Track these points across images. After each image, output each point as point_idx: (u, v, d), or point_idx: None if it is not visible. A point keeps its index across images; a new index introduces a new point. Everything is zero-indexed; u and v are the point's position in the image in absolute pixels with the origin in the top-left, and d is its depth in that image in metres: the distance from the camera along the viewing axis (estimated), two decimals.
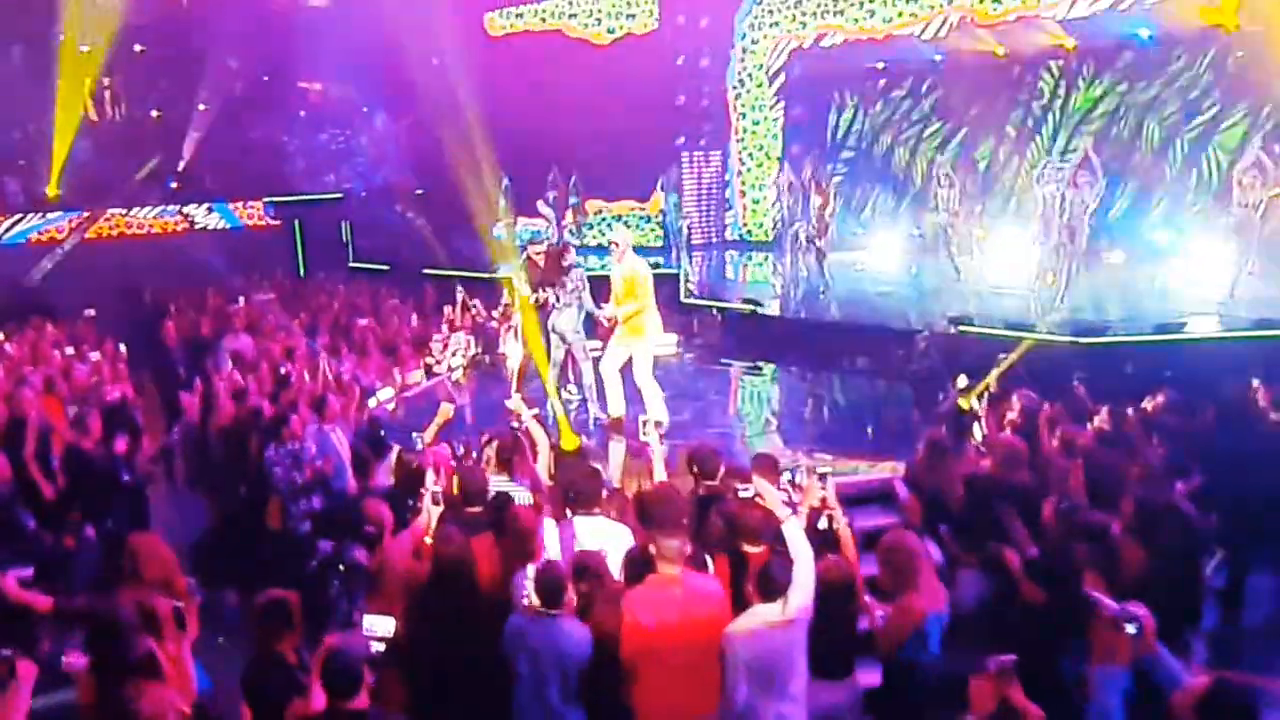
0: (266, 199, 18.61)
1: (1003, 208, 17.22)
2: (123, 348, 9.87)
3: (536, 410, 6.18)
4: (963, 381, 9.48)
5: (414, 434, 5.93)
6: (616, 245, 8.12)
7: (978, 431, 7.56)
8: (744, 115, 19.45)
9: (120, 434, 7.44)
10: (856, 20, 17.75)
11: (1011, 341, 9.99)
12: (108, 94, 19.28)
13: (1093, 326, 9.85)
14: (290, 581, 6.99)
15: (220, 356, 10.34)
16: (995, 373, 7.82)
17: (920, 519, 6.42)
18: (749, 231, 19.88)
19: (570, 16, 20.47)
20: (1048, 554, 5.44)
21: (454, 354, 10.48)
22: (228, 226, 18.41)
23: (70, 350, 9.98)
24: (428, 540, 5.15)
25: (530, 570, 4.66)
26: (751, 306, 12.50)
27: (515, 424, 5.81)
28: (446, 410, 6.22)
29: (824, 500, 4.99)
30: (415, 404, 9.92)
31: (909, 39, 17.37)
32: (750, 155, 19.58)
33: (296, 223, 18.68)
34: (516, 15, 21.04)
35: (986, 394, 7.59)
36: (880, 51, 18.05)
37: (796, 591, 4.41)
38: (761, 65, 19.10)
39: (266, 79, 19.95)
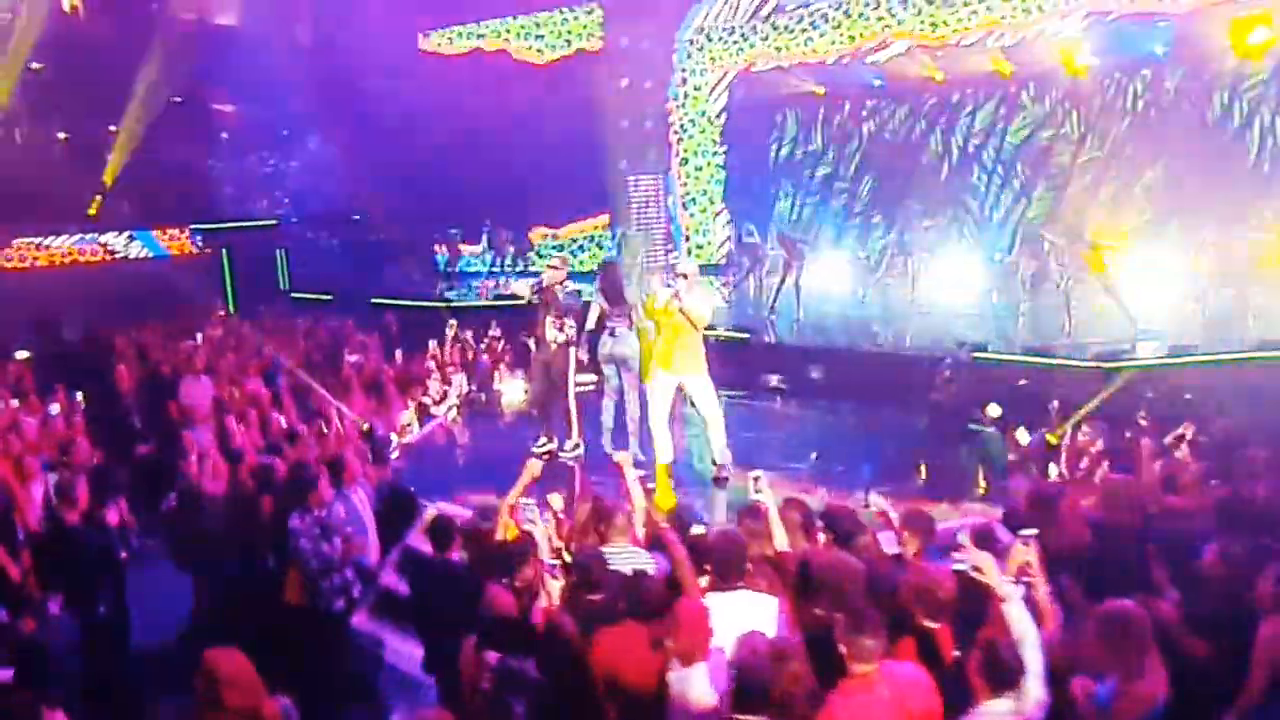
0: (193, 226, 17.01)
1: (947, 230, 17.28)
2: (79, 396, 8.45)
3: (643, 470, 5.34)
4: (995, 411, 9.10)
5: (499, 499, 5.00)
6: (685, 277, 7.33)
7: (1052, 470, 7.09)
8: (687, 154, 18.99)
9: (110, 502, 6.24)
10: (797, 47, 17.50)
11: (1029, 368, 9.67)
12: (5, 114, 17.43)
13: (1108, 352, 9.56)
14: (335, 667, 6.02)
15: (188, 404, 9.08)
16: (1086, 409, 7.31)
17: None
18: (692, 254, 19.41)
19: (512, 37, 19.62)
20: (1208, 603, 4.94)
21: (456, 393, 9.43)
22: (151, 255, 16.74)
23: (15, 401, 8.51)
24: None
25: (700, 670, 3.87)
26: (745, 334, 11.83)
27: (633, 480, 4.95)
28: (534, 468, 5.29)
29: (1026, 566, 4.32)
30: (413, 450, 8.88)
31: (849, 64, 17.23)
32: (694, 196, 19.07)
33: (224, 251, 17.13)
34: (454, 36, 20.08)
35: (1068, 430, 7.08)
36: (820, 76, 17.89)
37: (1032, 682, 3.74)
38: (703, 109, 18.65)
39: (179, 100, 18.41)
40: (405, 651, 6.36)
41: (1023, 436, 7.76)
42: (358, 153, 18.02)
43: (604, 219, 19.35)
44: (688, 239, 19.25)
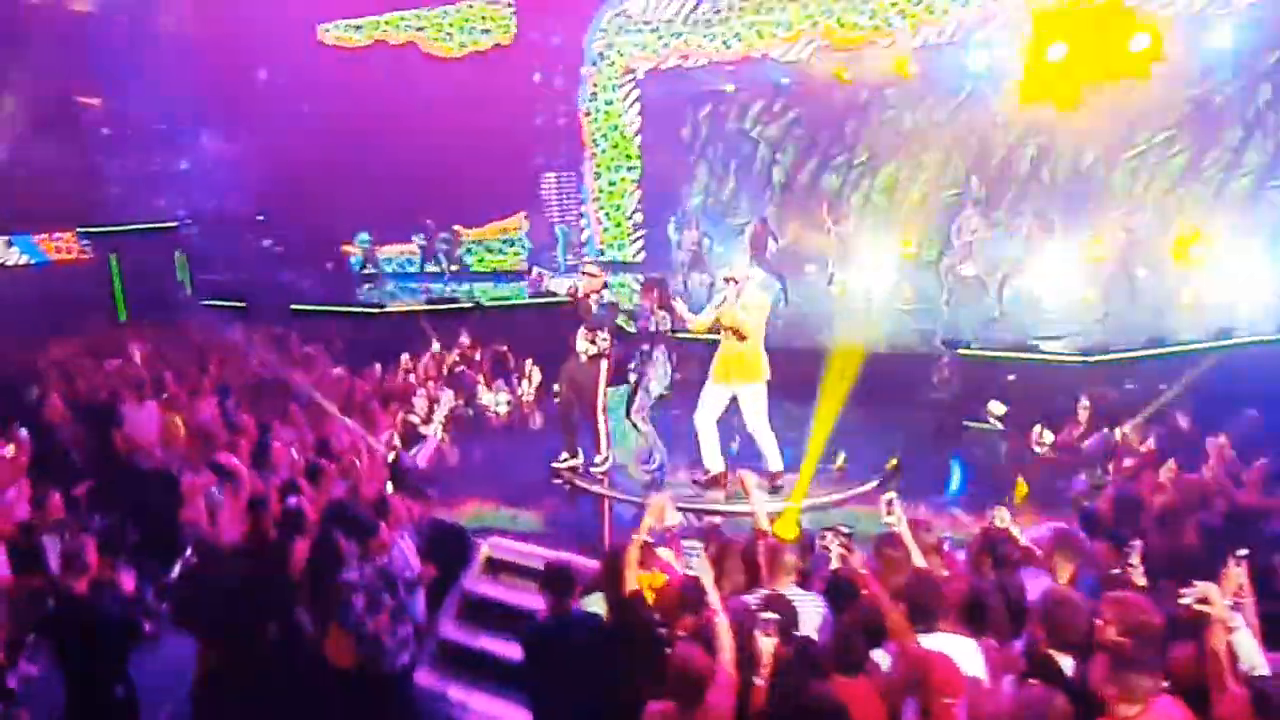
0: (79, 229, 15.08)
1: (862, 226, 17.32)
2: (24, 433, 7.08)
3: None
4: (999, 408, 9.00)
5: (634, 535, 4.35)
6: (735, 281, 6.80)
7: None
8: (600, 169, 18.35)
9: (123, 566, 5.18)
10: (709, 44, 17.16)
11: (1013, 363, 9.61)
12: None
13: (1092, 346, 9.62)
14: None
15: (133, 434, 7.86)
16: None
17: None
18: (605, 251, 18.79)
19: (419, 30, 18.44)
20: None
21: (445, 409, 8.49)
22: (31, 262, 14.75)
23: None
24: None
25: None
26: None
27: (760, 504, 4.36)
28: (657, 506, 4.64)
29: (1239, 589, 4.03)
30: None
31: (760, 62, 17.03)
32: (608, 210, 18.44)
33: (112, 257, 15.28)
34: (355, 28, 18.72)
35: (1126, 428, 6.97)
36: (731, 75, 17.62)
37: None
38: (615, 124, 18.02)
39: (42, 93, 16.33)
40: (476, 709, 5.63)
41: (1047, 435, 7.63)
42: (258, 150, 16.49)
43: (519, 218, 18.52)
44: (602, 252, 18.60)
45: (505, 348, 10.38)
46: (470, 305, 13.60)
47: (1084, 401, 7.64)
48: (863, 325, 12.63)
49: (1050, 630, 3.81)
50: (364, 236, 16.22)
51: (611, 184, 18.40)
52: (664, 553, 4.65)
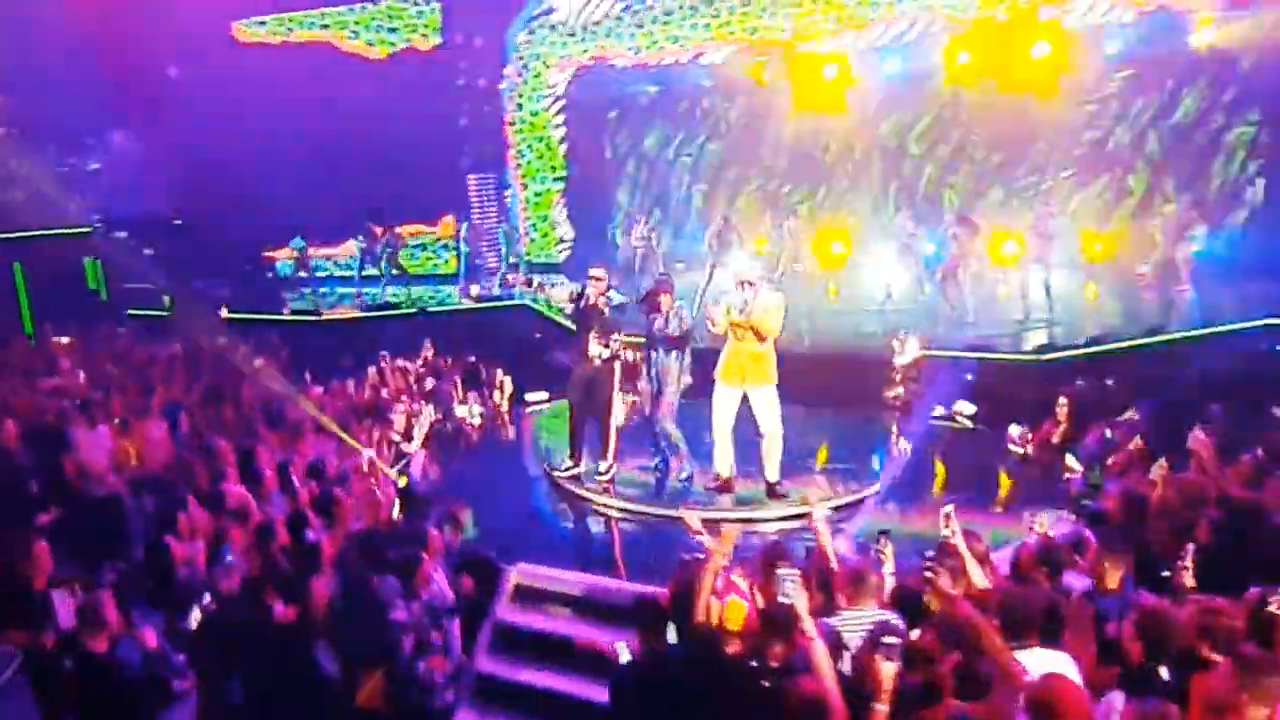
0: None
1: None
2: None
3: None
4: (968, 408, 9.15)
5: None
6: (751, 285, 6.64)
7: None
8: (526, 179, 17.93)
9: (142, 619, 4.67)
10: (632, 46, 16.98)
11: (974, 363, 9.77)
12: None
13: (1048, 343, 9.88)
14: None
15: (85, 461, 7.18)
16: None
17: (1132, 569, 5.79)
18: (533, 255, 18.37)
19: (323, 27, 17.60)
20: None
21: (425, 425, 8.02)
22: None
23: None
24: None
25: None
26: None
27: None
28: (731, 533, 4.46)
29: None
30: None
31: (684, 65, 16.93)
32: (535, 221, 18.01)
33: (17, 265, 14.02)
34: (260, 23, 17.72)
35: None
36: (655, 76, 17.48)
37: None
38: (541, 136, 17.60)
39: None
40: None
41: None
42: (174, 150, 15.43)
43: (448, 221, 17.93)
44: (530, 262, 18.10)
45: (474, 358, 9.99)
46: (414, 311, 13.08)
47: (1061, 400, 7.80)
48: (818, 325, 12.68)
49: (1148, 643, 3.82)
50: (299, 241, 15.39)
51: (538, 194, 18.03)
52: (738, 580, 4.47)
